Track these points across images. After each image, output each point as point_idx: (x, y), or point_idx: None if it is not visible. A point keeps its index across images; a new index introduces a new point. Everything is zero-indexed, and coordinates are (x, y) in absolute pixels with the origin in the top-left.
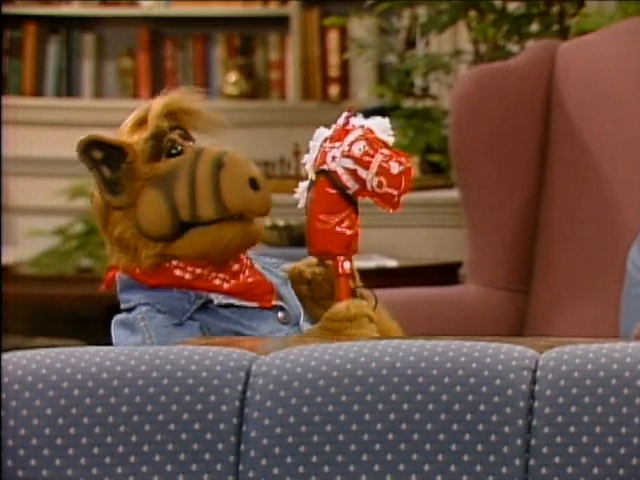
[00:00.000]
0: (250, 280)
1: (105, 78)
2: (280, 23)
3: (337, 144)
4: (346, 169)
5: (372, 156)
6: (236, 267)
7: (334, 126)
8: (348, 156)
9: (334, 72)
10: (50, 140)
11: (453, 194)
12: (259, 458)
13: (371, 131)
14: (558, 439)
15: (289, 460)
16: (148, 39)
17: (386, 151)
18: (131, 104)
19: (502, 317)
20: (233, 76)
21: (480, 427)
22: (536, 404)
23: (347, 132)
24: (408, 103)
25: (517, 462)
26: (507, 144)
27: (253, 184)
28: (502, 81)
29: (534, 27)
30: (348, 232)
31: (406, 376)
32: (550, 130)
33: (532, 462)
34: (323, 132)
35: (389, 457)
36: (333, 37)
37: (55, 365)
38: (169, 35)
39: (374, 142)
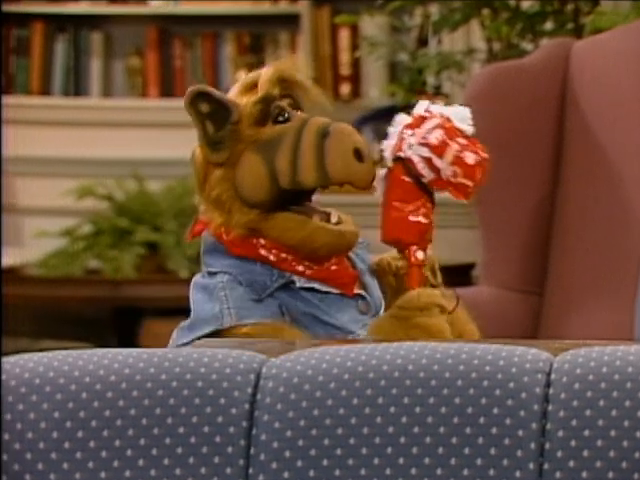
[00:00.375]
0: (334, 268)
1: (113, 77)
2: (290, 21)
3: (414, 131)
4: (422, 157)
5: (448, 145)
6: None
7: (414, 113)
8: (424, 144)
9: (345, 70)
10: (57, 140)
11: None
12: (269, 462)
13: (449, 120)
14: (573, 443)
15: (299, 464)
16: (157, 38)
17: (463, 141)
18: (139, 103)
19: (516, 319)
20: (243, 75)
21: (494, 430)
22: (550, 407)
23: (424, 119)
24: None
25: (531, 466)
26: (521, 143)
27: (358, 155)
28: (516, 80)
29: (548, 25)
30: (422, 221)
31: (418, 379)
32: (564, 129)
33: (546, 466)
34: (403, 118)
35: (401, 461)
36: (344, 35)
37: (63, 368)
38: (178, 34)
39: (451, 131)
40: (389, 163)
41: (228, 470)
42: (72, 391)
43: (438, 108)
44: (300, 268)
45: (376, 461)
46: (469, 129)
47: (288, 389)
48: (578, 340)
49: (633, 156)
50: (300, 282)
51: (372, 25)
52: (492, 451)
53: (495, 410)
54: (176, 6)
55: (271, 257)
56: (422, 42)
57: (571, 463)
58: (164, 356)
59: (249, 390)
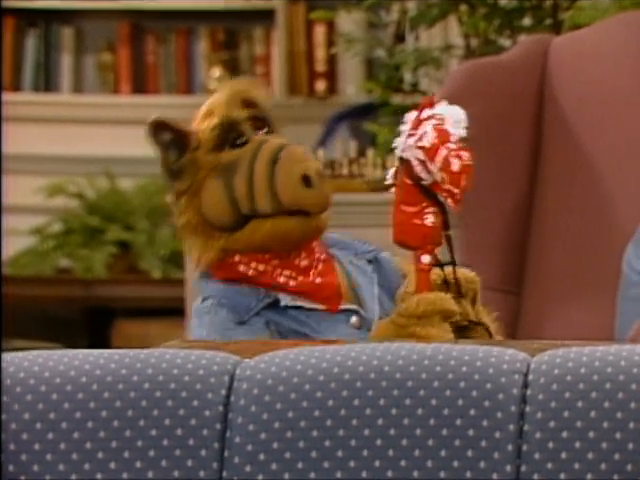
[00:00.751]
0: (318, 281)
1: (84, 73)
2: (265, 17)
3: (414, 132)
4: (418, 160)
5: (438, 149)
6: (305, 263)
7: (414, 113)
8: (420, 147)
9: (321, 67)
10: (27, 136)
11: None
12: (243, 465)
13: (444, 121)
14: (550, 445)
15: (274, 467)
16: (129, 33)
17: (452, 145)
18: (111, 100)
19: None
20: (217, 71)
21: (470, 432)
22: (528, 409)
23: (421, 121)
24: (397, 99)
25: (508, 468)
26: (498, 141)
27: (306, 181)
28: (493, 76)
29: (526, 21)
30: (427, 224)
31: (395, 380)
32: (542, 126)
33: (524, 468)
34: (411, 116)
35: (377, 464)
36: (320, 31)
37: (33, 368)
38: (151, 29)
39: (443, 134)
40: (396, 162)
41: (201, 473)
42: (42, 392)
43: (437, 108)
44: (282, 279)
45: (352, 464)
46: (461, 132)
47: (262, 391)
48: (556, 340)
49: (613, 153)
50: (285, 300)
51: (348, 21)
52: (469, 453)
53: (472, 411)
54: (149, 1)
55: (250, 272)
56: (399, 38)
57: (549, 465)
58: (136, 357)
59: (223, 392)
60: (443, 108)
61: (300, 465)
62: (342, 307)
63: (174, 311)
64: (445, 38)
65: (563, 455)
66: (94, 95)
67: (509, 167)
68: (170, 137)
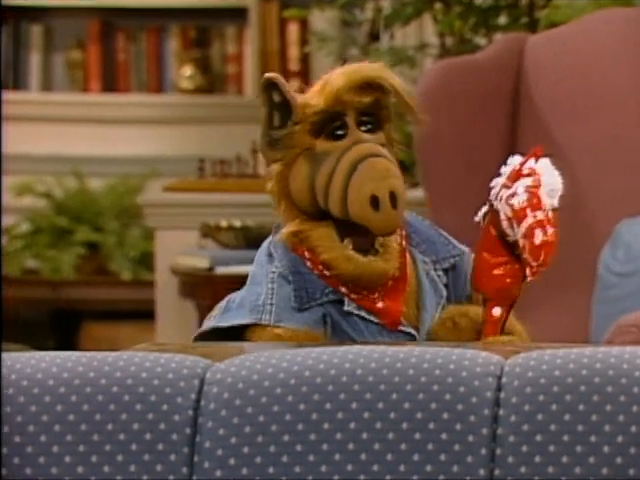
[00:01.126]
0: (380, 305)
1: (54, 71)
2: (238, 14)
3: (509, 184)
4: (506, 216)
5: (526, 215)
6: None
7: (519, 159)
8: (509, 204)
9: (294, 66)
10: None
11: (418, 193)
12: (213, 470)
13: (539, 185)
14: (524, 448)
15: (245, 471)
16: (99, 30)
17: (541, 215)
18: (80, 98)
19: None
20: (188, 70)
21: (444, 436)
22: (501, 412)
23: (520, 176)
24: None
25: (482, 472)
26: (474, 140)
27: (374, 202)
28: (469, 75)
29: (502, 20)
30: (505, 278)
31: (367, 383)
32: (518, 125)
33: (497, 472)
34: (515, 160)
35: (349, 468)
36: (293, 29)
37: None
38: (121, 26)
39: (534, 200)
40: (488, 206)
41: (171, 478)
42: (9, 395)
43: (539, 165)
44: (343, 289)
45: (324, 468)
46: (554, 202)
47: (233, 395)
48: (531, 343)
49: (588, 153)
50: (350, 306)
51: (322, 19)
52: (442, 457)
53: (445, 415)
54: None
55: (316, 272)
56: (374, 37)
57: (522, 469)
58: (104, 360)
59: (192, 396)
60: (545, 167)
61: (271, 470)
62: (402, 328)
63: (144, 314)
64: (420, 37)
65: (537, 459)
66: (63, 93)
67: (484, 166)
68: (279, 100)
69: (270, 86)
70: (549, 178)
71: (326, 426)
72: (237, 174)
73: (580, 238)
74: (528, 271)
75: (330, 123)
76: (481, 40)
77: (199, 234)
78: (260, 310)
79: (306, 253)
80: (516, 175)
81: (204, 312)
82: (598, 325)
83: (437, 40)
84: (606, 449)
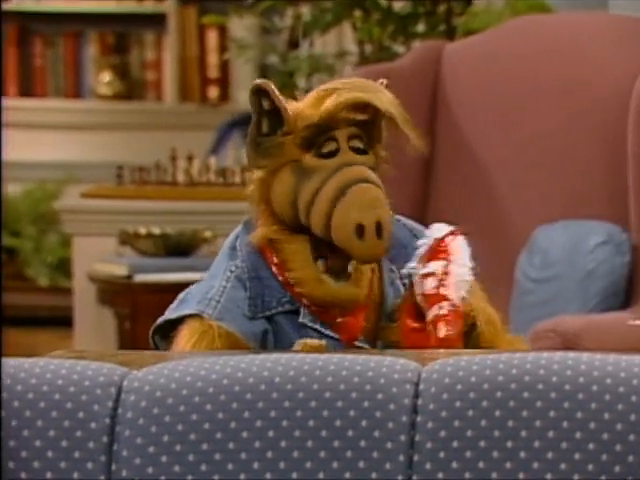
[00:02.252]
0: (339, 320)
1: None
2: (156, 21)
3: (425, 261)
4: (419, 293)
5: (433, 304)
6: None
7: (444, 230)
8: (421, 284)
9: (213, 73)
10: None
11: None
12: (131, 478)
13: (449, 274)
14: (441, 454)
15: None
16: (16, 35)
17: (446, 306)
18: None
19: None
20: (106, 76)
21: (362, 443)
22: (419, 419)
23: (435, 255)
24: None
25: (400, 478)
26: (392, 149)
27: (360, 231)
28: (387, 83)
29: (420, 27)
30: (421, 343)
31: (286, 391)
32: (436, 133)
33: (415, 478)
34: (439, 228)
35: (268, 476)
36: (212, 36)
37: None
38: (39, 32)
39: (442, 288)
40: (412, 268)
41: None
42: None
43: (456, 245)
44: (305, 301)
45: (243, 476)
46: (462, 294)
47: (151, 403)
48: (448, 349)
49: (505, 160)
50: (305, 318)
51: (241, 26)
52: (361, 464)
53: (364, 422)
54: (37, 3)
55: (280, 278)
56: (293, 44)
57: (440, 475)
58: (20, 367)
59: (109, 404)
60: (459, 250)
61: (190, 478)
62: (358, 343)
63: (62, 320)
64: (339, 44)
65: (454, 465)
66: None
67: (402, 176)
68: (269, 107)
69: (259, 92)
70: (460, 269)
71: (245, 434)
72: (156, 181)
73: (497, 245)
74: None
75: (320, 139)
76: (399, 48)
77: (117, 241)
78: (206, 304)
79: (275, 258)
80: (431, 254)
81: (122, 320)
82: (515, 331)
83: (356, 48)
84: (523, 454)
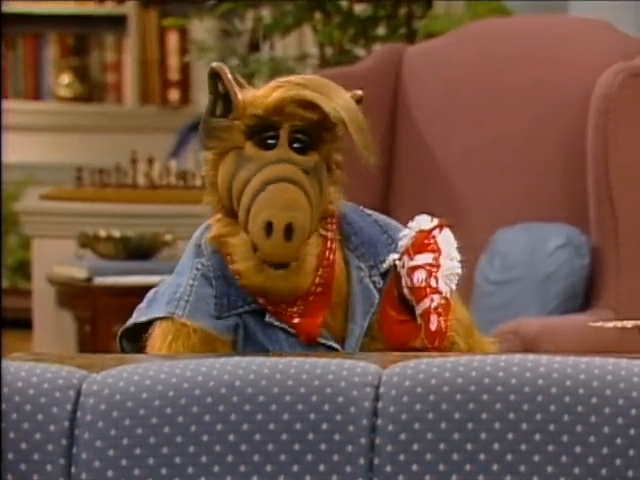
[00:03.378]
0: (296, 321)
1: None
2: (117, 23)
3: (411, 254)
4: (407, 285)
5: (424, 296)
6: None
7: (428, 222)
8: (410, 277)
9: (174, 75)
10: None
11: None
12: None
13: (439, 267)
14: (401, 457)
15: None
16: None
17: (437, 300)
18: None
19: None
20: (66, 77)
21: (323, 446)
22: (379, 422)
23: (423, 247)
24: None
25: None
26: (352, 152)
27: (268, 229)
28: (347, 86)
29: (381, 30)
30: (406, 335)
31: (246, 395)
32: (397, 136)
33: None
34: (424, 220)
35: (229, 479)
36: (173, 38)
37: None
38: None
39: (433, 280)
40: (394, 259)
41: None
42: None
43: (442, 239)
44: (261, 301)
45: None
46: (452, 287)
47: (110, 406)
48: (408, 352)
49: (464, 161)
50: (270, 318)
51: (202, 29)
52: (321, 467)
53: (324, 425)
54: None
55: (238, 277)
56: (254, 47)
57: (400, 477)
58: None
59: (68, 407)
60: (447, 243)
61: None
62: (321, 341)
63: (21, 322)
64: (300, 47)
65: (414, 467)
66: None
67: (362, 179)
68: (223, 91)
69: (215, 76)
70: (449, 262)
71: (205, 438)
72: (116, 184)
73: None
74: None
75: (263, 132)
76: (360, 51)
77: (77, 244)
78: (175, 304)
79: (229, 258)
80: (419, 246)
81: (82, 322)
82: None
83: (317, 51)
84: (482, 457)
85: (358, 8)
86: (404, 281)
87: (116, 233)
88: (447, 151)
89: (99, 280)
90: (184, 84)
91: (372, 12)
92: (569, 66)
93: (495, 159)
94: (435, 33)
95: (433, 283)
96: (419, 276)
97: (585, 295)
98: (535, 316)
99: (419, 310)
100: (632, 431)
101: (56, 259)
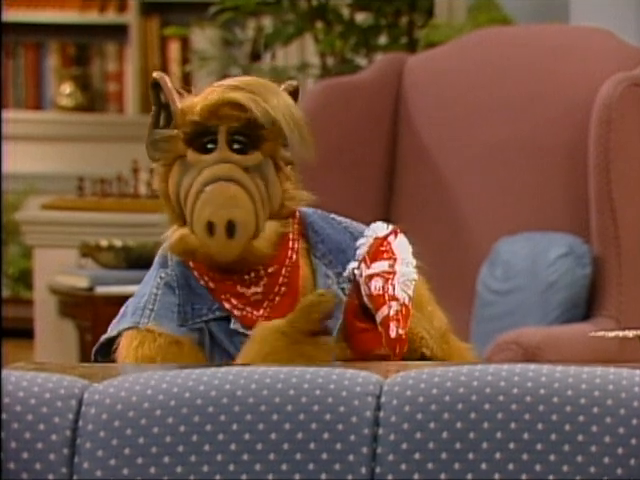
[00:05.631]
0: (264, 319)
1: None
2: (118, 32)
3: (368, 262)
4: (366, 293)
5: (382, 304)
6: (258, 296)
7: (384, 229)
8: (368, 285)
9: (175, 85)
10: None
11: None
12: None
13: (394, 273)
14: (403, 467)
15: None
16: None
17: (395, 306)
18: None
19: None
20: (68, 87)
21: (324, 456)
22: (381, 431)
23: (379, 255)
24: None
25: None
26: (354, 162)
27: (210, 228)
28: (349, 96)
29: (382, 40)
30: (369, 344)
31: (247, 404)
32: (398, 145)
33: None
34: (379, 227)
35: None
36: (174, 48)
37: None
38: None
39: (390, 287)
40: (353, 267)
41: None
42: None
43: (397, 245)
44: (227, 305)
45: None
46: (409, 293)
47: (112, 416)
48: (410, 362)
49: (466, 172)
50: (236, 325)
51: (203, 38)
52: (323, 477)
53: (325, 435)
54: None
55: (202, 282)
56: (255, 56)
57: None
58: None
59: (70, 416)
60: (402, 249)
61: None
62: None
63: (23, 332)
64: (301, 57)
65: (416, 477)
66: None
67: (363, 188)
68: (165, 101)
69: (156, 86)
70: (405, 268)
71: (207, 448)
72: (118, 193)
73: (459, 256)
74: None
75: (201, 137)
76: (361, 60)
77: (78, 253)
78: (140, 314)
79: (191, 264)
80: (375, 253)
81: (84, 332)
82: (477, 343)
83: (318, 60)
84: (484, 466)
85: (359, 17)
86: (363, 289)
87: (118, 242)
88: (448, 160)
89: (101, 289)
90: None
91: (373, 21)
92: (570, 76)
93: (496, 168)
94: (436, 42)
95: (390, 290)
96: (376, 284)
97: (587, 304)
98: (537, 325)
99: (379, 318)
100: (633, 441)
101: (57, 269)
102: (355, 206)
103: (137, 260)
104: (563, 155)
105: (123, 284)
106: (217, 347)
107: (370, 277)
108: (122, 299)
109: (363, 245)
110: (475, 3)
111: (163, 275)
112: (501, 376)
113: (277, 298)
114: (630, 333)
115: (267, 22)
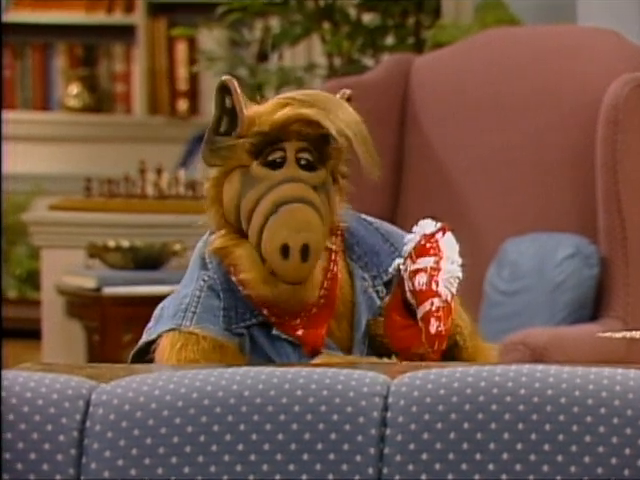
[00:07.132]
0: (300, 332)
1: None
2: (125, 32)
3: (414, 258)
4: (409, 289)
5: (425, 300)
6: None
7: (432, 226)
8: (412, 280)
9: (182, 86)
10: None
11: None
12: None
13: (439, 270)
14: (410, 467)
15: None
16: None
17: (437, 302)
18: None
19: None
20: (75, 88)
21: (331, 457)
22: (388, 432)
23: (425, 251)
24: None
25: None
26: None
27: (284, 251)
28: (356, 97)
29: (389, 40)
30: (410, 340)
31: (255, 405)
32: (405, 146)
33: None
34: (427, 224)
35: None
36: (181, 48)
37: None
38: (7, 43)
39: (434, 284)
40: (399, 264)
41: None
42: None
43: (444, 243)
44: (265, 312)
45: None
46: (453, 290)
47: (119, 417)
48: (417, 362)
49: (473, 172)
50: (277, 331)
51: (210, 39)
52: (330, 477)
53: (333, 435)
54: (5, 13)
55: (241, 289)
56: (262, 57)
57: None
58: None
59: (78, 417)
60: (448, 247)
61: None
62: (328, 352)
63: (30, 332)
64: (308, 57)
65: (423, 477)
66: None
67: (371, 189)
68: (230, 106)
69: (224, 89)
70: (450, 265)
71: (214, 448)
72: (125, 194)
73: (466, 257)
74: (429, 352)
75: (269, 149)
76: (369, 61)
77: (86, 254)
78: (182, 316)
79: (232, 269)
80: (421, 250)
81: (91, 332)
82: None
83: (325, 61)
84: (491, 467)
85: (366, 18)
86: (407, 285)
87: (125, 243)
88: (456, 160)
89: (108, 290)
90: (193, 94)
91: (380, 22)
92: (577, 76)
93: (504, 169)
94: (443, 43)
95: (434, 286)
96: (420, 279)
97: (594, 305)
98: (544, 326)
99: (420, 313)
100: None
101: (65, 269)
102: (361, 205)
103: (144, 260)
104: (570, 155)
105: (131, 285)
106: (257, 352)
107: (415, 272)
108: (130, 300)
109: (410, 241)
110: (482, 3)
111: (206, 278)
112: (509, 377)
113: (314, 309)
114: (637, 334)
115: (274, 23)
